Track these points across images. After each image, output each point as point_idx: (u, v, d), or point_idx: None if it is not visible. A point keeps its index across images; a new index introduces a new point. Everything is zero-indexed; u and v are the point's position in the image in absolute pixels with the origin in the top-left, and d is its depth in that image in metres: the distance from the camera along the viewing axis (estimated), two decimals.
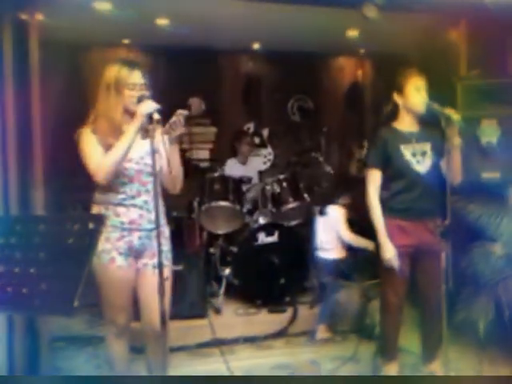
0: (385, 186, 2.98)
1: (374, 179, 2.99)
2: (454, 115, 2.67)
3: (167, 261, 2.59)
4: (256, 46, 5.54)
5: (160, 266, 2.25)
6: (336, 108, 6.00)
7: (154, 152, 2.27)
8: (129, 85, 2.46)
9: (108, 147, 2.42)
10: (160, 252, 2.26)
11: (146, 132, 2.40)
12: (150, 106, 2.34)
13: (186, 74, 5.05)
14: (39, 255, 1.91)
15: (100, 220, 1.99)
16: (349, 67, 6.14)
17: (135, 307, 2.65)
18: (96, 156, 2.43)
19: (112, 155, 2.40)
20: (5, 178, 2.90)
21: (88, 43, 4.84)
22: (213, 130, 5.60)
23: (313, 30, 4.51)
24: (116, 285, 2.53)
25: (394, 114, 3.03)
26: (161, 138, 2.41)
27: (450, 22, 4.19)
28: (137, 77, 2.49)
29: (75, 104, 3.62)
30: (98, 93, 2.51)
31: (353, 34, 4.85)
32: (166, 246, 2.63)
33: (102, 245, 2.45)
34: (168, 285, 2.49)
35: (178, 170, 2.59)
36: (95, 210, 2.56)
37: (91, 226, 1.96)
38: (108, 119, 2.48)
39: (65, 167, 3.56)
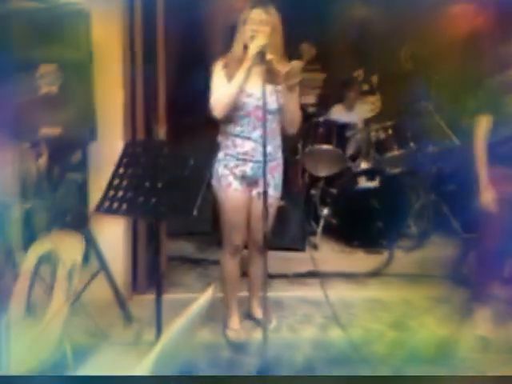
0: (492, 133, 3.03)
1: (483, 126, 3.04)
2: None
3: (276, 191, 2.88)
4: None
5: (265, 193, 2.53)
6: (450, 57, 5.81)
7: (264, 92, 2.51)
8: (249, 20, 2.68)
9: (232, 78, 2.68)
10: (266, 181, 2.54)
11: (268, 72, 2.61)
12: (259, 44, 2.55)
13: (298, 20, 5.15)
14: (164, 173, 2.25)
15: (215, 148, 2.29)
16: (467, 15, 5.87)
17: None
18: (216, 92, 2.70)
19: (226, 91, 2.66)
20: (133, 111, 3.30)
21: None
22: (321, 75, 5.68)
23: None
24: (232, 206, 2.84)
25: (502, 65, 3.04)
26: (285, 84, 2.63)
27: None
28: (256, 13, 2.69)
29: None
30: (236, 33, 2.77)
31: None
32: (278, 178, 2.89)
33: (222, 170, 2.79)
34: (271, 210, 2.78)
35: (295, 114, 2.82)
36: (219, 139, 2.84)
37: (208, 152, 2.26)
38: (234, 55, 2.74)
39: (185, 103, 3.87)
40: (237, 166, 2.80)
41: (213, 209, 3.14)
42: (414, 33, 5.81)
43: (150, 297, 3.48)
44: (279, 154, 2.92)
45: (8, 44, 2.69)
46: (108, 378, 1.78)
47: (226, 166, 2.79)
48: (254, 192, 2.85)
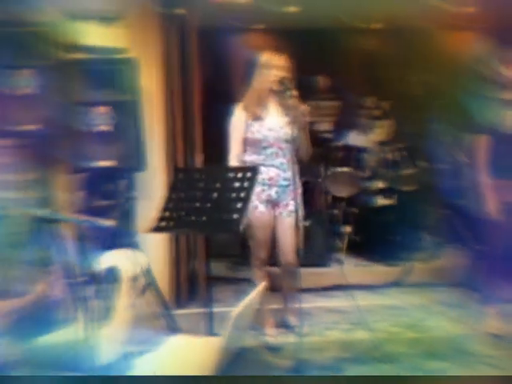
0: (491, 150, 3.37)
1: (482, 145, 3.39)
2: None
3: (299, 211, 3.20)
4: (378, 25, 5.92)
5: (296, 211, 2.92)
6: (454, 82, 6.16)
7: (292, 120, 2.93)
8: (274, 66, 3.10)
9: (254, 116, 3.13)
10: (296, 203, 2.96)
11: (286, 107, 3.03)
12: (288, 87, 2.98)
13: (313, 54, 5.59)
14: (209, 195, 2.63)
15: (256, 170, 2.66)
16: (467, 41, 6.25)
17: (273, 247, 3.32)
18: (234, 143, 3.19)
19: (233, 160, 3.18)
20: (173, 143, 3.73)
21: (229, 30, 5.56)
22: (337, 103, 6.09)
23: (432, 6, 4.81)
24: (258, 226, 3.23)
25: (502, 86, 3.40)
26: (298, 112, 3.03)
27: None
28: (281, 59, 3.13)
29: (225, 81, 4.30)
30: (253, 73, 3.17)
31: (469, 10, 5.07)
32: (299, 199, 3.24)
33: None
34: (299, 229, 3.16)
35: (306, 148, 3.24)
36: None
37: (248, 174, 2.64)
38: (258, 94, 3.17)
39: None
40: (263, 191, 3.20)
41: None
42: (419, 60, 6.20)
43: (192, 310, 3.87)
44: (297, 178, 3.30)
45: (69, 88, 3.15)
46: (108, 378, 1.86)
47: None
48: (277, 212, 3.25)
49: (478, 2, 3.88)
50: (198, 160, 3.79)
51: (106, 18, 3.60)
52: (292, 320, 3.43)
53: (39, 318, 1.96)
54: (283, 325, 3.50)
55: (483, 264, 3.69)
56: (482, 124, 3.41)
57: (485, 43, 6.14)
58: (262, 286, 2.35)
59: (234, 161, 3.20)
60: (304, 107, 3.07)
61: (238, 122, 3.18)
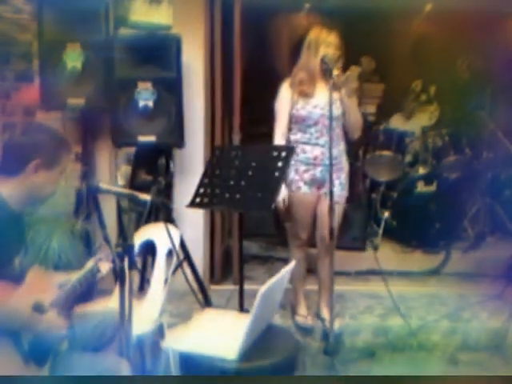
0: None
1: None
2: None
3: (342, 191, 3.22)
4: (428, 7, 5.74)
5: (331, 193, 2.87)
6: (506, 67, 5.96)
7: (331, 102, 2.87)
8: (325, 43, 3.05)
9: (303, 94, 3.08)
10: (332, 182, 2.89)
11: (331, 84, 2.97)
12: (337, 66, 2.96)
13: (360, 35, 5.48)
14: (245, 173, 2.64)
15: (291, 150, 2.66)
16: None
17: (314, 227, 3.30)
18: (280, 121, 3.14)
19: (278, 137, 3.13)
20: (212, 121, 3.74)
21: (276, 9, 5.51)
22: (381, 86, 5.98)
23: None
24: (301, 207, 3.19)
25: None
26: (344, 90, 2.99)
27: None
28: (332, 37, 3.08)
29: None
30: (302, 51, 3.14)
31: None
32: (343, 179, 3.23)
33: (293, 176, 3.14)
34: (338, 208, 3.11)
35: (356, 117, 3.17)
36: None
37: (283, 153, 2.63)
38: (307, 71, 3.11)
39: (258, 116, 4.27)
40: (307, 171, 3.14)
41: (276, 213, 3.48)
42: (470, 44, 6.01)
43: (225, 287, 3.92)
44: (344, 158, 3.25)
45: (112, 65, 3.19)
46: (108, 378, 1.82)
47: (296, 172, 3.14)
48: (322, 192, 3.17)
49: None
50: (237, 138, 3.79)
51: None
52: (324, 311, 3.36)
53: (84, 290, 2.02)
54: (315, 315, 3.44)
55: None
56: None
57: None
58: (291, 264, 2.34)
59: (279, 139, 3.14)
60: (351, 71, 3.01)
61: (285, 99, 3.14)
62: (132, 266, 1.94)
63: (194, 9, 3.64)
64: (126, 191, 2.41)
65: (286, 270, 2.22)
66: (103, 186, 2.20)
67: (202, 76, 3.64)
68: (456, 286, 4.02)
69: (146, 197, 2.11)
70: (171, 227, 2.95)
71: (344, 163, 3.24)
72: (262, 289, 1.97)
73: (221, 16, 3.74)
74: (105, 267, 1.97)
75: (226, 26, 3.75)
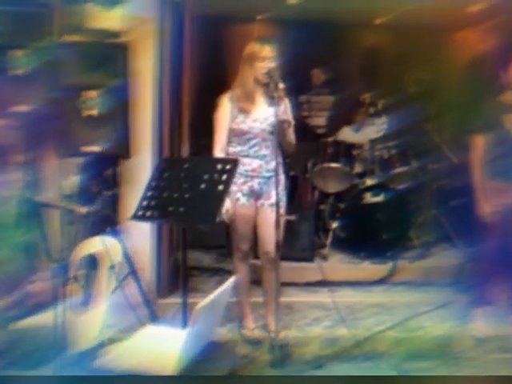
0: (487, 151, 3.36)
1: (478, 145, 3.37)
2: None
3: (282, 202, 3.16)
4: (378, 20, 5.88)
5: (277, 204, 2.87)
6: (451, 81, 6.16)
7: (277, 116, 2.87)
8: (259, 58, 3.04)
9: (240, 110, 3.08)
10: (277, 194, 2.89)
11: (271, 98, 2.98)
12: (276, 79, 2.94)
13: (310, 47, 5.54)
14: (188, 185, 2.59)
15: (235, 163, 2.63)
16: (467, 41, 6.24)
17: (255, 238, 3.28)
18: (218, 134, 3.14)
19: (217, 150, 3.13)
20: (160, 133, 3.68)
21: (228, 19, 5.49)
22: (331, 99, 6.05)
23: (433, 5, 4.78)
24: (240, 219, 3.19)
25: (501, 88, 3.37)
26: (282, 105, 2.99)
27: None
28: (267, 51, 3.05)
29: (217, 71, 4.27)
30: (239, 66, 3.12)
31: (473, 9, 5.04)
32: (282, 191, 3.20)
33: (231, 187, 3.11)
34: (282, 220, 3.11)
35: (290, 139, 3.19)
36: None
37: (228, 166, 2.61)
38: (242, 87, 3.11)
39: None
40: (245, 183, 3.16)
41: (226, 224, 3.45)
42: (417, 58, 6.18)
43: (172, 300, 3.84)
44: (281, 170, 3.22)
45: (57, 72, 3.10)
46: (108, 378, 1.85)
47: (235, 183, 3.12)
48: (259, 203, 3.20)
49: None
50: (185, 149, 3.74)
51: (101, 2, 3.55)
52: (271, 324, 3.35)
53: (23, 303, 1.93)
54: (262, 327, 3.43)
55: (473, 265, 3.69)
56: (478, 124, 3.38)
57: (486, 44, 6.15)
58: (233, 279, 2.31)
59: (218, 152, 3.15)
60: (286, 101, 3.03)
61: (224, 112, 3.14)
62: (69, 281, 1.88)
63: (144, 16, 3.57)
64: (63, 203, 2.33)
65: (226, 286, 2.18)
66: (41, 197, 2.12)
67: (149, 85, 3.57)
68: (403, 296, 4.08)
69: (83, 210, 2.04)
70: (113, 240, 2.88)
71: (281, 176, 3.22)
72: (199, 306, 1.94)
73: (171, 25, 3.69)
74: (38, 288, 1.90)
75: (176, 34, 3.71)
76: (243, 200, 3.17)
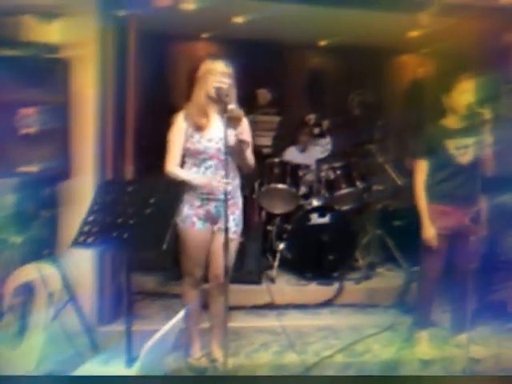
0: (430, 175, 3.41)
1: (421, 169, 3.42)
2: (487, 115, 3.05)
3: (237, 227, 3.11)
4: (322, 42, 5.97)
5: (226, 230, 2.76)
6: (394, 103, 6.34)
7: (226, 136, 2.77)
8: (211, 73, 2.94)
9: (195, 126, 2.97)
10: (227, 217, 2.79)
11: (225, 117, 2.88)
12: (225, 94, 2.84)
13: (256, 67, 5.55)
14: (134, 210, 2.47)
15: (184, 186, 2.54)
16: (409, 65, 6.45)
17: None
18: (172, 152, 2.99)
19: (178, 174, 2.98)
20: (102, 152, 3.53)
21: (173, 37, 5.42)
22: (276, 119, 6.07)
23: (376, 29, 4.89)
24: (195, 244, 3.06)
25: (443, 112, 3.45)
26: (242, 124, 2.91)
27: (502, 25, 4.45)
28: (219, 66, 2.96)
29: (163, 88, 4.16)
30: (194, 83, 3.03)
31: (414, 34, 5.20)
32: (238, 214, 3.12)
33: (187, 211, 3.01)
34: (233, 245, 3.03)
35: (247, 159, 3.06)
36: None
37: (176, 189, 2.51)
38: (196, 104, 3.00)
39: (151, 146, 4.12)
40: (201, 206, 3.02)
41: (173, 245, 3.35)
42: (360, 80, 6.31)
43: (115, 328, 3.67)
44: (238, 193, 3.16)
45: None
46: (108, 378, 1.84)
47: (191, 207, 3.02)
48: (216, 228, 3.08)
49: (423, 26, 3.93)
50: (128, 171, 3.60)
51: (40, 14, 3.38)
52: (216, 353, 3.26)
53: None
54: (207, 356, 3.30)
55: (417, 287, 3.73)
56: (421, 149, 3.43)
57: (426, 68, 6.36)
58: (183, 311, 2.20)
59: (170, 173, 3.03)
60: (245, 120, 2.96)
61: (178, 131, 3.00)
62: (4, 313, 1.72)
63: (86, 32, 3.43)
64: None
65: (176, 319, 2.07)
66: None
67: (91, 102, 3.42)
68: (349, 318, 4.08)
69: (16, 239, 1.89)
70: (51, 267, 2.71)
71: (238, 198, 3.16)
72: (146, 347, 1.83)
73: (115, 41, 3.57)
74: None
75: (119, 51, 3.58)
76: (199, 225, 3.04)
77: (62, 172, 3.12)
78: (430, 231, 3.37)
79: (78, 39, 3.38)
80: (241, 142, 2.92)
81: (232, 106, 2.87)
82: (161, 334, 1.92)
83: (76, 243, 2.51)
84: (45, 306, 2.52)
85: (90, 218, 2.55)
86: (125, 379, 1.75)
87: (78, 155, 3.26)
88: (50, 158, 3.04)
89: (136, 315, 3.83)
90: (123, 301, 3.78)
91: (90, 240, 2.51)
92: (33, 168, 3.00)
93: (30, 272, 2.58)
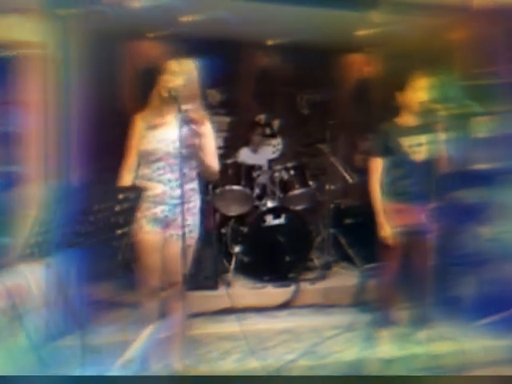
0: (385, 173, 3.41)
1: (376, 167, 3.42)
2: (442, 112, 3.08)
3: (193, 232, 2.98)
4: (270, 42, 5.91)
5: (183, 235, 2.66)
6: (343, 102, 6.36)
7: (181, 137, 2.68)
8: (164, 71, 2.86)
9: (150, 128, 2.88)
10: (183, 222, 2.68)
11: (178, 118, 2.77)
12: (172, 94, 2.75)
13: (205, 67, 5.42)
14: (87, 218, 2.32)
15: (139, 191, 2.41)
16: (357, 64, 6.49)
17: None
18: (127, 154, 2.93)
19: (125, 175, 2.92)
20: (49, 156, 3.33)
21: (121, 36, 5.21)
22: (227, 119, 5.96)
23: (324, 28, 4.88)
24: (145, 248, 2.93)
25: (396, 110, 3.46)
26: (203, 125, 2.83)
27: (452, 24, 4.52)
28: (173, 65, 2.87)
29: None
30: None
31: (362, 33, 5.22)
32: (191, 220, 2.99)
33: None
34: (190, 251, 2.91)
35: (207, 163, 2.96)
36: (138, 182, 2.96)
37: (131, 195, 2.38)
38: (150, 103, 2.93)
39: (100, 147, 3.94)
40: (149, 209, 2.90)
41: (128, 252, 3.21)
42: (310, 80, 6.31)
43: (69, 342, 3.48)
44: (193, 197, 3.02)
45: None
46: (108, 378, 1.87)
47: (138, 209, 2.88)
48: (168, 233, 2.96)
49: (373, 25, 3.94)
50: (77, 175, 3.42)
51: None
52: (176, 365, 3.12)
53: None
54: (167, 368, 3.14)
55: (374, 286, 3.73)
56: (375, 147, 3.43)
57: (379, 67, 6.42)
58: (149, 330, 2.07)
59: (126, 174, 2.90)
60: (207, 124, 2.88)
61: (135, 131, 2.92)
62: None
63: (30, 30, 3.23)
64: None
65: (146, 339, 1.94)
66: None
67: (37, 104, 3.22)
68: (308, 319, 4.05)
69: None
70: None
71: (193, 203, 3.02)
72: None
73: (62, 40, 3.37)
74: None
75: (66, 50, 3.40)
76: (147, 228, 2.91)
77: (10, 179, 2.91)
78: (386, 229, 3.38)
79: (22, 38, 3.19)
80: (189, 146, 2.82)
81: (186, 107, 2.77)
82: (129, 355, 1.80)
83: (23, 256, 2.33)
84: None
85: (39, 229, 2.38)
86: (123, 379, 1.65)
87: (25, 160, 3.06)
88: None
89: (90, 327, 3.65)
90: (76, 313, 3.60)
91: (37, 251, 2.33)
92: None
93: None
